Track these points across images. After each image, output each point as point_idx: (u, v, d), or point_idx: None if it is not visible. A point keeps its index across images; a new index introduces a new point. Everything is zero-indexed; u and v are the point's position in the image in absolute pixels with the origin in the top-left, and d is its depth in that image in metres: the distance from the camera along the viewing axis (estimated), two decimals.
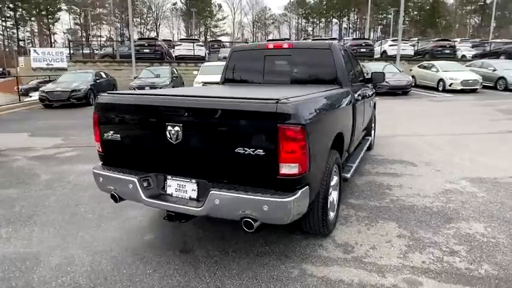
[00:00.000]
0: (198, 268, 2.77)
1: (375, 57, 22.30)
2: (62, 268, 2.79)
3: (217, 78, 4.96)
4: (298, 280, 2.60)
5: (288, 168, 2.27)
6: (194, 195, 2.61)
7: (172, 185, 2.69)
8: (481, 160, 5.55)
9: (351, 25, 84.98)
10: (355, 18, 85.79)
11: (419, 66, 17.59)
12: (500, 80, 15.40)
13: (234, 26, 69.57)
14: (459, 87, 14.81)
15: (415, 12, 78.86)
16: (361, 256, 2.91)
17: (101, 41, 52.98)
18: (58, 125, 10.10)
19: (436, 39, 26.16)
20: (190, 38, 36.09)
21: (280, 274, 2.68)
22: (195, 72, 16.12)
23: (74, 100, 13.50)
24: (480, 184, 4.52)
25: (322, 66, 4.06)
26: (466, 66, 17.23)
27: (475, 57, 22.41)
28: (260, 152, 2.29)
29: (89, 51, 29.77)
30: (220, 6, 76.44)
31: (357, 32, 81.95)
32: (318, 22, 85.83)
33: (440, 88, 15.52)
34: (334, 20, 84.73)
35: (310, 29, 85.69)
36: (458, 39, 30.35)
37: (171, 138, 2.54)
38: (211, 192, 2.39)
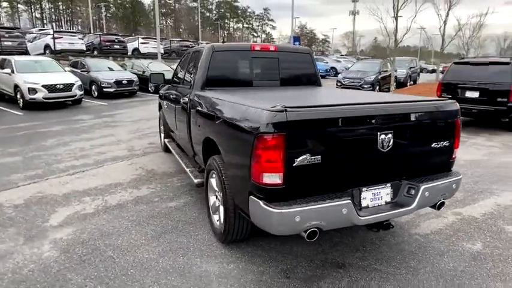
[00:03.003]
0: (387, 281, 2.80)
1: (128, 54, 21.76)
2: None
3: None
4: (431, 240, 3.29)
5: (455, 153, 2.93)
6: (388, 198, 2.67)
7: (368, 196, 2.58)
8: None
9: (45, 15, 74.63)
10: (50, 8, 76.24)
11: None
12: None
13: None
14: None
15: (115, 9, 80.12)
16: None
17: None
18: None
19: (179, 39, 28.59)
20: None
21: (420, 245, 3.25)
22: None
23: None
24: None
25: (305, 68, 4.52)
26: None
27: None
28: (446, 143, 2.80)
29: None
30: None
31: (54, 23, 73.49)
32: None
33: None
34: (22, 7, 71.54)
35: None
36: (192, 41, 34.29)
37: (382, 146, 2.48)
38: (422, 187, 2.62)
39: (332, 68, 23.82)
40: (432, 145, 2.74)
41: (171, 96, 5.08)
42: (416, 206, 2.62)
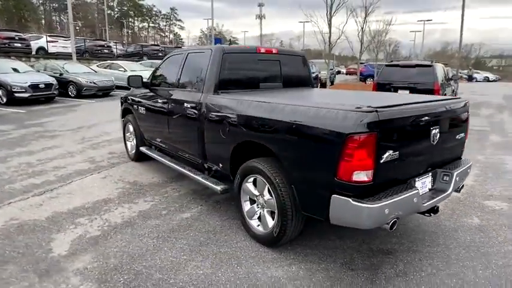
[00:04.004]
0: (433, 258, 3.17)
1: (33, 54, 18.82)
2: None
3: None
4: (441, 220, 3.79)
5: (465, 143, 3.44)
6: (430, 186, 3.00)
7: (418, 186, 2.86)
8: None
9: None
10: None
11: (99, 66, 17.46)
12: None
13: None
14: None
15: None
16: None
17: None
18: None
19: (93, 38, 25.79)
20: None
21: (435, 225, 3.71)
22: None
23: None
24: None
25: (302, 71, 4.70)
26: (140, 64, 19.26)
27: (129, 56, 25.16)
28: (463, 134, 3.28)
29: None
30: None
31: None
32: None
33: None
34: None
35: None
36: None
37: (433, 140, 2.80)
38: (455, 173, 3.03)
39: None
40: (457, 136, 3.19)
41: (158, 101, 4.73)
42: (452, 190, 3.02)
